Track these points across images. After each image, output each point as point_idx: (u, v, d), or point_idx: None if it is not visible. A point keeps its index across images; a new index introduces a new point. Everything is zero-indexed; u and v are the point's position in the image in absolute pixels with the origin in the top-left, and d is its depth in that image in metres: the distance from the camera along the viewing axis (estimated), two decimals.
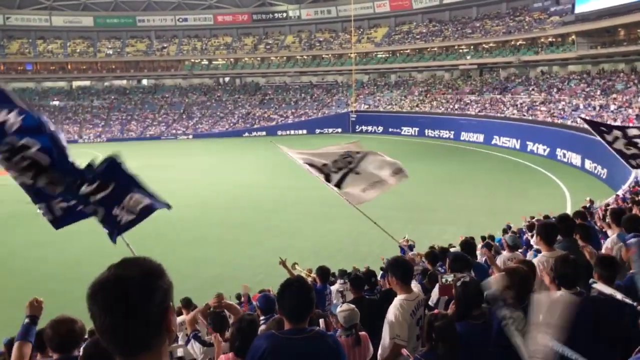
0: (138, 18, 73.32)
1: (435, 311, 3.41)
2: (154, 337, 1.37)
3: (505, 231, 14.31)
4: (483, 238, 12.70)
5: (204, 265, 16.91)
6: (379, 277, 7.74)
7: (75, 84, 71.57)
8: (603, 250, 5.20)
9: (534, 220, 13.84)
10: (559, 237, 5.11)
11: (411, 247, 11.50)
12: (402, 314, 3.89)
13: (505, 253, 7.50)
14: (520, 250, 7.98)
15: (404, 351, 3.70)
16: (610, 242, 5.41)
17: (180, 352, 5.51)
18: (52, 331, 3.04)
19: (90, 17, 71.96)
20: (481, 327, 3.44)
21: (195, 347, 4.82)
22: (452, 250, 8.28)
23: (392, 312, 3.98)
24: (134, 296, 1.32)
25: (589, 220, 8.51)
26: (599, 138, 7.11)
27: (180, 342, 5.89)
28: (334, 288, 7.95)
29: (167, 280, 1.42)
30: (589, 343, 3.15)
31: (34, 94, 68.59)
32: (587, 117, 37.05)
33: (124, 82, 73.09)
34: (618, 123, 32.86)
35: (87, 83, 71.93)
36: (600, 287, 2.68)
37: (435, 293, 5.38)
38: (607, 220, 7.19)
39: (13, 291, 14.74)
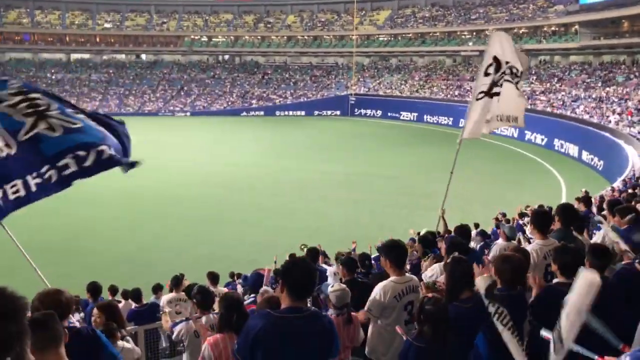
0: None
1: (429, 295, 3.38)
2: None
3: (498, 220, 14.28)
4: (476, 225, 12.70)
5: (197, 243, 16.91)
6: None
7: (73, 56, 70.72)
8: (599, 240, 5.20)
9: (528, 209, 13.84)
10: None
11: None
12: (383, 295, 4.02)
13: (500, 241, 7.50)
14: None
15: (399, 329, 3.70)
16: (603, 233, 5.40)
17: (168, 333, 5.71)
18: (39, 303, 3.04)
19: None
20: (470, 311, 3.41)
21: (177, 329, 4.89)
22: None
23: (375, 290, 4.11)
24: None
25: (588, 209, 8.50)
26: None
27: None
28: (330, 269, 7.93)
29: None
30: (620, 314, 3.25)
31: (31, 65, 67.81)
32: (587, 109, 36.98)
33: (123, 56, 72.25)
34: (617, 115, 32.87)
35: (85, 56, 71.08)
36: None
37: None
38: (603, 212, 7.19)
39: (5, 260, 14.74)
